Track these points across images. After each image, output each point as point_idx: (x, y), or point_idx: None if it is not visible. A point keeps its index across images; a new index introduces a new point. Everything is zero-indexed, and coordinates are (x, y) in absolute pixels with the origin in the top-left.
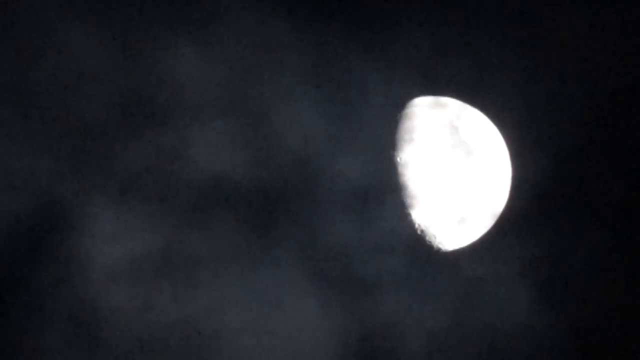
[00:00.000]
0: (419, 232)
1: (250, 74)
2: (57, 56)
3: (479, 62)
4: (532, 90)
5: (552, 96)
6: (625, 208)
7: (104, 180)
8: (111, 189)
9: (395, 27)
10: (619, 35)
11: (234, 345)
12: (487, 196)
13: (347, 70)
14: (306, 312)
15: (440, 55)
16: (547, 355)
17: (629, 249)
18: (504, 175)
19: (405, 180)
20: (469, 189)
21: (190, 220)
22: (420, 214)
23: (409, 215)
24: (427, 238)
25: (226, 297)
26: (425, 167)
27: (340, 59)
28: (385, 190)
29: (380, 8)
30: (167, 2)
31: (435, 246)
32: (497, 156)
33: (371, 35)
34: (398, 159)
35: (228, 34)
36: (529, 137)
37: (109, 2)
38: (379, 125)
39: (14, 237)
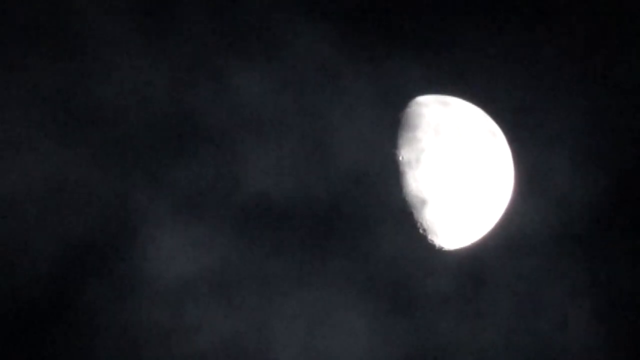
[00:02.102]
0: (421, 231)
1: (306, 97)
2: (121, 81)
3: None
4: (595, 108)
5: (614, 116)
6: None
7: (160, 201)
8: (166, 210)
9: (447, 45)
10: None
11: None
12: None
13: (404, 94)
14: (356, 330)
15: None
16: None
17: None
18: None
19: (408, 179)
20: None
21: (243, 240)
22: (425, 213)
23: (411, 214)
24: (429, 237)
25: (276, 315)
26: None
27: (396, 83)
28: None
29: (429, 30)
30: (225, 28)
31: (437, 245)
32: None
33: (429, 57)
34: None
35: (286, 59)
36: (589, 157)
37: (174, 30)
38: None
39: (69, 256)
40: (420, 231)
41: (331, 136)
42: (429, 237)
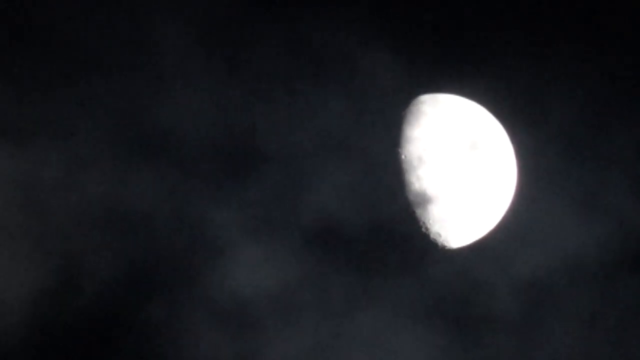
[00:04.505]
0: (423, 229)
1: (374, 121)
2: (192, 104)
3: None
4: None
5: None
6: None
7: (224, 223)
8: (231, 232)
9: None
10: None
11: None
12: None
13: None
14: (416, 353)
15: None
16: None
17: None
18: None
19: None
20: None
21: (307, 261)
22: (428, 211)
23: (413, 213)
24: (431, 236)
25: (338, 337)
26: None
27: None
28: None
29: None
30: (297, 53)
31: (440, 244)
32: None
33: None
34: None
35: (356, 84)
36: None
37: (246, 56)
38: None
39: (132, 277)
40: (423, 230)
41: (396, 161)
42: (432, 236)
